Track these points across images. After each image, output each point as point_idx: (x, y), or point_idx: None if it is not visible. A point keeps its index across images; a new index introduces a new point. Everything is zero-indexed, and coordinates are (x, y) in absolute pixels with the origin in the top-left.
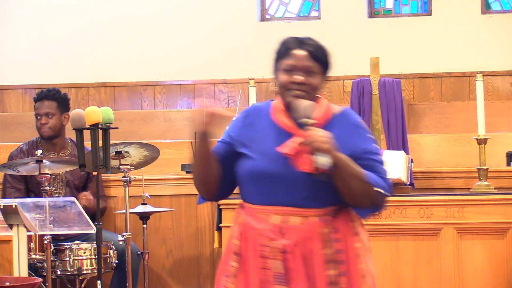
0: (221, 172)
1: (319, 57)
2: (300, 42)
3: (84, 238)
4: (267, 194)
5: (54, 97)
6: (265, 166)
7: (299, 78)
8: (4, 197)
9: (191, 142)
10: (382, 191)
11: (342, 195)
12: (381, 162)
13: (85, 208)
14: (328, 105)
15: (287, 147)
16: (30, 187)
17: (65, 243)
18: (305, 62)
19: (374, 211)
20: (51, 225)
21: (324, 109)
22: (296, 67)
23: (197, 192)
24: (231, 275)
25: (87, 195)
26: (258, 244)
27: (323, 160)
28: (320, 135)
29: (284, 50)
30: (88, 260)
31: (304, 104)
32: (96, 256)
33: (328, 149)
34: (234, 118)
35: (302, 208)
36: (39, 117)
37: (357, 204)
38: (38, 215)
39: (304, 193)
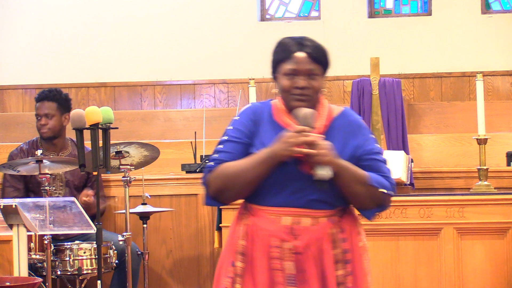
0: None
1: (319, 58)
2: (299, 44)
3: (84, 238)
4: (278, 196)
5: (55, 98)
6: (276, 167)
7: (301, 82)
8: (3, 196)
9: (191, 142)
10: (386, 191)
11: (348, 199)
12: (384, 162)
13: (86, 205)
14: (329, 107)
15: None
16: (30, 186)
17: (65, 243)
18: (306, 66)
19: (379, 211)
20: (51, 225)
21: (327, 113)
22: (298, 71)
23: (197, 192)
24: (236, 275)
25: (89, 193)
26: (268, 245)
27: (323, 172)
28: (320, 147)
29: (284, 53)
30: (88, 260)
31: (303, 112)
32: (96, 256)
33: (328, 161)
34: (237, 118)
35: (312, 210)
36: (39, 118)
37: (363, 206)
38: (38, 215)
39: (314, 195)
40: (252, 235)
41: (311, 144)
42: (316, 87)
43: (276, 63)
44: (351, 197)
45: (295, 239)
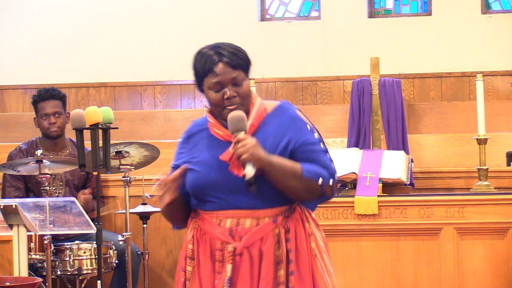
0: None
1: (239, 63)
2: (216, 54)
3: (84, 238)
4: (217, 201)
5: (58, 96)
6: (209, 175)
7: (229, 93)
8: (3, 196)
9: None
10: (322, 181)
11: (285, 194)
12: (323, 151)
13: (85, 201)
14: (261, 104)
15: (225, 154)
16: (30, 186)
17: (65, 243)
18: (228, 76)
19: (322, 201)
20: (51, 225)
21: (259, 111)
22: (222, 83)
23: None
24: (186, 279)
25: (85, 191)
26: (211, 248)
27: (247, 170)
28: (243, 145)
29: (204, 66)
30: (88, 260)
31: (233, 116)
32: (96, 256)
33: (250, 158)
34: (178, 141)
35: (253, 210)
36: (45, 117)
37: (302, 199)
38: (38, 215)
39: (250, 195)
40: (197, 239)
41: (236, 154)
42: (243, 92)
43: (199, 78)
44: (286, 192)
45: (236, 241)
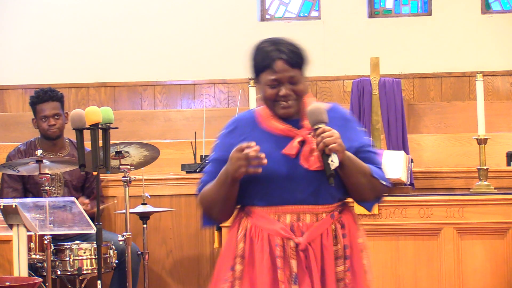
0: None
1: (298, 62)
2: (276, 50)
3: (84, 238)
4: (276, 196)
5: (56, 98)
6: (271, 168)
7: (284, 91)
8: (1, 197)
9: (191, 143)
10: (385, 183)
11: (351, 191)
12: (376, 153)
13: None
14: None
15: (289, 148)
16: (28, 187)
17: (65, 243)
18: (286, 74)
19: (377, 202)
20: (51, 225)
21: None
22: (279, 80)
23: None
24: (235, 278)
25: (85, 202)
26: (270, 244)
27: (332, 161)
28: (329, 135)
29: (263, 61)
30: (88, 260)
31: (314, 108)
32: (96, 256)
33: (339, 148)
34: (222, 131)
35: (312, 205)
36: (45, 119)
37: (364, 198)
38: (38, 215)
39: (312, 190)
40: (251, 237)
41: (324, 142)
42: (299, 91)
43: (256, 72)
44: (353, 189)
45: (297, 236)
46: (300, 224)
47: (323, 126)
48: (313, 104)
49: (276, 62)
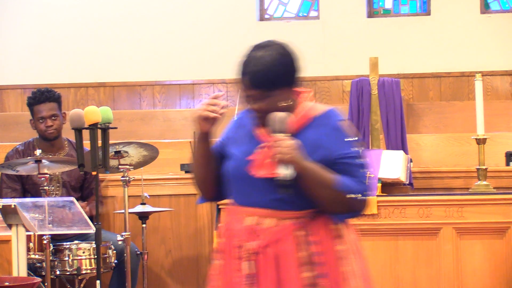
0: (219, 170)
1: (260, 82)
2: (245, 67)
3: (83, 238)
4: (244, 195)
5: (53, 98)
6: (240, 167)
7: (254, 106)
8: (0, 197)
9: (190, 142)
10: (355, 196)
11: (313, 200)
12: (359, 165)
13: None
14: (310, 107)
15: (255, 154)
16: (27, 187)
17: (64, 243)
18: (250, 92)
19: (352, 216)
20: (50, 225)
21: (302, 113)
22: (248, 95)
23: (196, 192)
24: (216, 272)
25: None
26: (232, 245)
27: (285, 172)
28: (285, 146)
29: (238, 72)
30: (87, 260)
31: (274, 117)
32: (95, 256)
33: (290, 160)
34: (235, 118)
35: (277, 210)
36: (42, 120)
37: (331, 210)
38: (37, 215)
39: (275, 197)
40: (224, 234)
41: (274, 152)
42: (264, 109)
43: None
44: (315, 200)
45: (255, 239)
46: (261, 227)
47: (279, 135)
48: (274, 113)
49: (243, 78)
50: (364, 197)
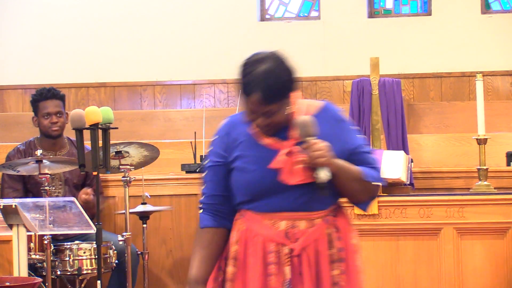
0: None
1: (275, 96)
2: (253, 82)
3: (84, 238)
4: (270, 203)
5: (58, 96)
6: (263, 178)
7: (261, 121)
8: (2, 197)
9: (191, 142)
10: (378, 183)
11: (345, 195)
12: (369, 152)
13: (85, 203)
14: (307, 105)
15: (276, 162)
16: (29, 187)
17: (65, 243)
18: (261, 109)
19: (371, 201)
20: (51, 225)
21: (303, 113)
22: (256, 112)
23: (197, 192)
24: (227, 279)
25: (88, 191)
26: (262, 250)
27: (322, 175)
28: (320, 149)
29: (242, 88)
30: (88, 260)
31: (303, 121)
32: (96, 256)
33: (327, 162)
34: (215, 137)
35: (307, 212)
36: (47, 116)
37: (358, 200)
38: (38, 215)
39: (304, 201)
40: (245, 241)
41: (310, 157)
42: (276, 122)
43: (240, 88)
44: (347, 194)
45: (292, 243)
46: (295, 230)
47: (311, 139)
48: (301, 117)
49: (252, 95)
50: (381, 182)
